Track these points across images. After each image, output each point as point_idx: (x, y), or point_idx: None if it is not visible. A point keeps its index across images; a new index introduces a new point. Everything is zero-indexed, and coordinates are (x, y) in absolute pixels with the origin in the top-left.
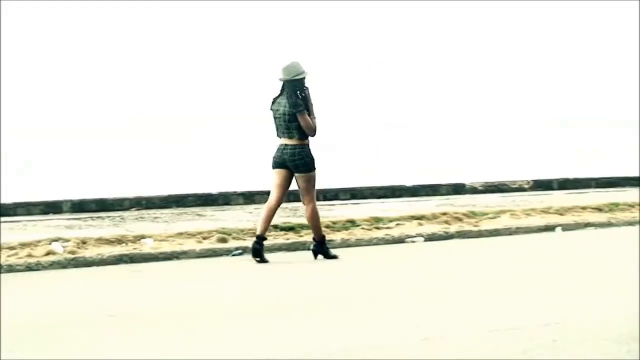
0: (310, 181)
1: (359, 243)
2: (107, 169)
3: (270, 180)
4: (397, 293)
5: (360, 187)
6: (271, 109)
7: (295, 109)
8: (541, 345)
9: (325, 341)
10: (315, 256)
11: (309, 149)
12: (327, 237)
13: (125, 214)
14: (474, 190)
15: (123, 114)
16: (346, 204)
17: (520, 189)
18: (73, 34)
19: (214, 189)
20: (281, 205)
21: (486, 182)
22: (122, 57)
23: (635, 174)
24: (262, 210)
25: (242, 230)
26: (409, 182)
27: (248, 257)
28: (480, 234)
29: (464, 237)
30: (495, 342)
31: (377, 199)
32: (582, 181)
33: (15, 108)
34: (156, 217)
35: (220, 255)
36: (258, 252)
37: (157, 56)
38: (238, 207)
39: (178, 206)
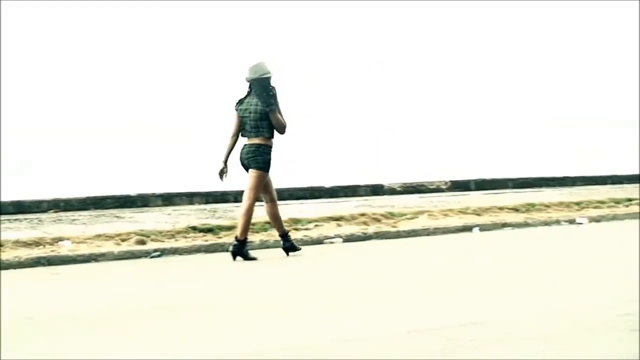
0: (257, 180)
1: (277, 244)
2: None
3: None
4: (314, 294)
5: (279, 189)
6: (237, 109)
7: (268, 107)
8: (459, 345)
9: (239, 342)
10: (234, 257)
11: (269, 151)
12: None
13: (43, 216)
14: (392, 192)
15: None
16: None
17: (438, 190)
18: (73, 34)
19: (132, 191)
20: (202, 208)
21: (404, 183)
22: (122, 57)
23: (549, 175)
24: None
25: (160, 232)
26: (327, 183)
27: (166, 259)
28: (398, 235)
29: (382, 238)
30: (414, 342)
31: (295, 200)
32: (499, 182)
33: (16, 108)
34: (74, 219)
35: (139, 257)
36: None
37: (156, 56)
38: (157, 209)
39: (96, 208)
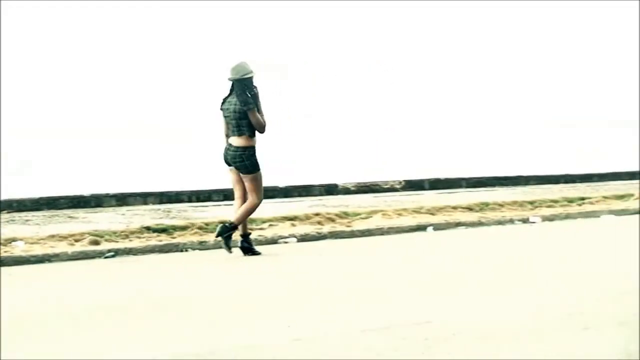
0: (256, 180)
1: (232, 244)
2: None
3: (228, 178)
4: (268, 294)
5: (227, 189)
6: (221, 109)
7: (245, 106)
8: (413, 344)
9: (195, 341)
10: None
11: (253, 151)
12: (201, 239)
13: None
14: (346, 191)
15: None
16: (219, 205)
17: (392, 189)
18: (73, 34)
19: (85, 191)
20: (155, 208)
21: (358, 183)
22: (122, 58)
23: (505, 174)
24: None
25: (114, 233)
26: (281, 183)
27: (120, 259)
28: (352, 235)
29: (336, 238)
30: (367, 341)
31: None
32: (453, 181)
33: (16, 108)
34: (27, 220)
35: (93, 257)
36: (247, 249)
37: (156, 56)
38: (110, 209)
39: (49, 208)
